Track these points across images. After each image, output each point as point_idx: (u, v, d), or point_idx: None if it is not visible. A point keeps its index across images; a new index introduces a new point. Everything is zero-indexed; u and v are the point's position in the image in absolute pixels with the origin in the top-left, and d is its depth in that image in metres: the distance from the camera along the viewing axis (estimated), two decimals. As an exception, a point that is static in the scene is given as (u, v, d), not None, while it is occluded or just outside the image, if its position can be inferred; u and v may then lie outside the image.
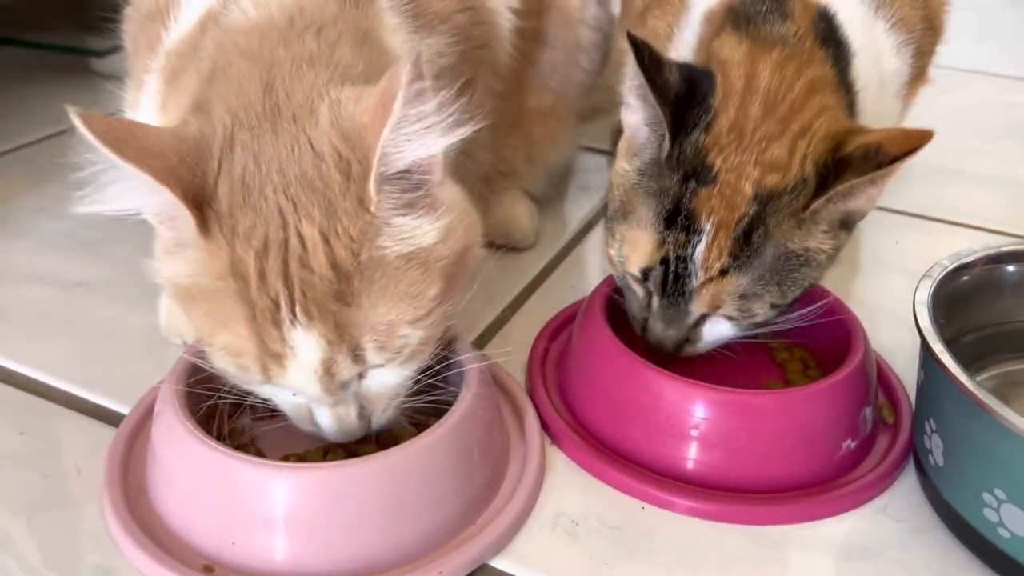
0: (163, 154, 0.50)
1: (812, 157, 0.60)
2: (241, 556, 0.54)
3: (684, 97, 0.61)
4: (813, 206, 0.60)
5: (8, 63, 1.42)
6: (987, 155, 1.19)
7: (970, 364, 0.60)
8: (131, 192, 0.49)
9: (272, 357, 0.51)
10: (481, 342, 0.78)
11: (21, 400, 0.70)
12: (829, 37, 0.66)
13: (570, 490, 0.63)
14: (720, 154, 0.61)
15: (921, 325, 0.61)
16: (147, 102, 0.66)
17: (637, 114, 0.64)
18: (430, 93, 0.50)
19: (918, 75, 0.79)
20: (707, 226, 0.61)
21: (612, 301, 0.71)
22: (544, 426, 0.67)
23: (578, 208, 1.03)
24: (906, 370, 0.72)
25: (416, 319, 0.53)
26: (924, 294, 0.63)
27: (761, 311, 0.63)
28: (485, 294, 0.84)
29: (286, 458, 0.61)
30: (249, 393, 0.57)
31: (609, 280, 0.72)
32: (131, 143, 0.48)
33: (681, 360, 0.67)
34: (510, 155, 0.90)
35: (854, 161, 0.59)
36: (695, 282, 0.62)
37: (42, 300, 0.82)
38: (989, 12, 1.83)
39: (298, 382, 0.52)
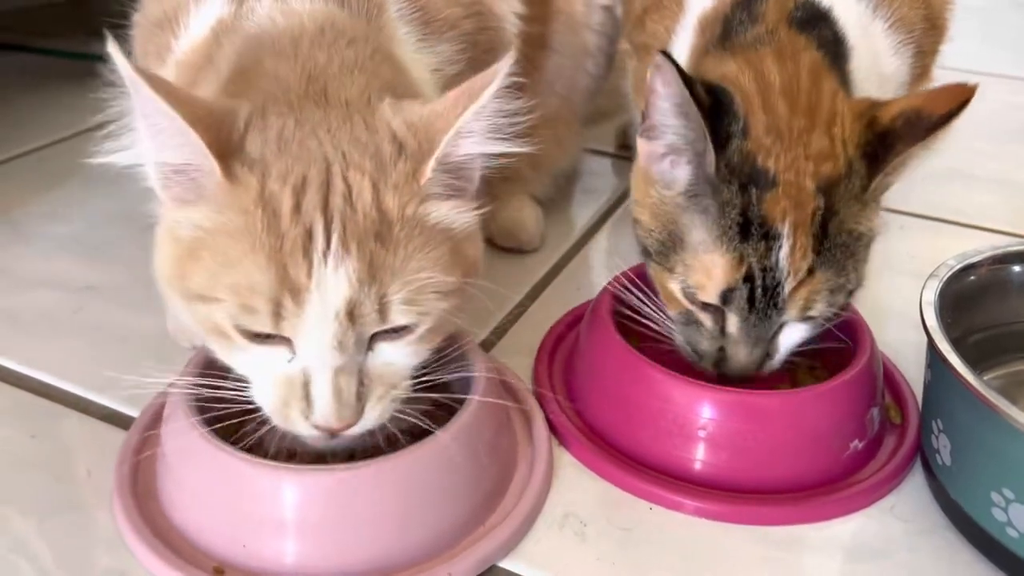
0: (192, 103, 0.49)
1: (852, 140, 0.61)
2: (252, 558, 0.54)
3: (714, 108, 0.60)
4: (873, 183, 0.61)
5: (17, 69, 1.43)
6: (992, 156, 1.19)
7: (977, 364, 0.60)
8: (151, 140, 0.49)
9: (291, 292, 0.48)
10: (488, 344, 0.79)
11: (32, 404, 0.70)
12: (808, 24, 0.66)
13: (578, 491, 0.63)
14: (769, 156, 0.60)
15: (928, 325, 0.61)
16: None
17: (666, 136, 0.62)
18: (511, 96, 0.51)
19: (921, 74, 0.79)
20: (784, 229, 0.59)
21: (618, 303, 0.71)
22: (552, 428, 0.67)
23: (583, 211, 1.03)
24: (913, 370, 0.72)
25: (444, 290, 0.52)
26: (931, 294, 0.64)
27: (842, 301, 0.63)
28: (491, 297, 0.84)
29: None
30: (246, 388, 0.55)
31: (615, 281, 0.71)
32: (163, 84, 0.48)
33: (686, 361, 0.67)
34: (516, 161, 0.90)
35: (898, 131, 0.59)
36: (787, 289, 0.60)
37: (52, 304, 0.82)
38: (992, 14, 1.83)
39: (312, 326, 0.49)
